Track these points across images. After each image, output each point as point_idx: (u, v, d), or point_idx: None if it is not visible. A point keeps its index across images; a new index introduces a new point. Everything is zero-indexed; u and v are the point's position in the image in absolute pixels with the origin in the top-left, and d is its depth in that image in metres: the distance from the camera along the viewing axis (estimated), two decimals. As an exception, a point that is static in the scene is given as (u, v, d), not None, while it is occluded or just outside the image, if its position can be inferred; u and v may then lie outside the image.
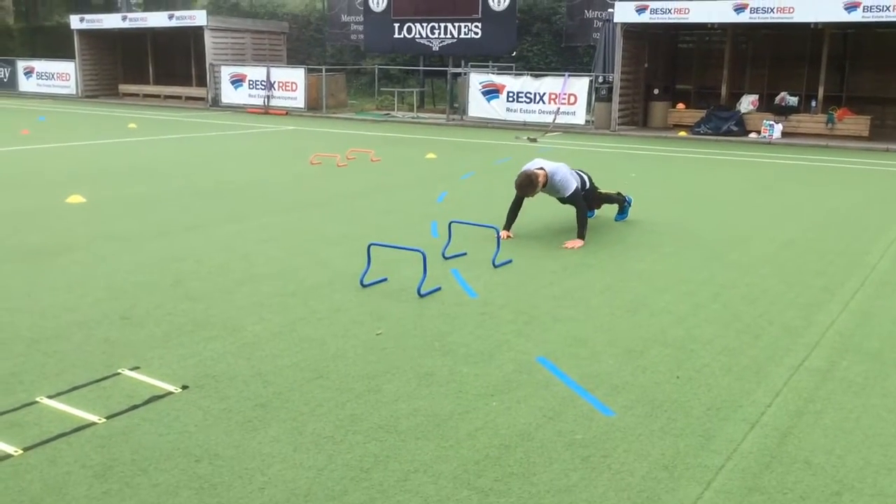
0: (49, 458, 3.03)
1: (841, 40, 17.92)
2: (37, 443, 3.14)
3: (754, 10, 16.48)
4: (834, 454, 3.19)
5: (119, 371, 3.86)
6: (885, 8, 15.28)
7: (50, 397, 3.55)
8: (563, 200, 7.08)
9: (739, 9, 16.62)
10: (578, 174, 7.17)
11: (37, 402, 3.51)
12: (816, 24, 16.21)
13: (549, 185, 6.84)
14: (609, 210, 7.84)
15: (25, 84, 28.33)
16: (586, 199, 7.06)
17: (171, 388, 3.68)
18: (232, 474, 2.94)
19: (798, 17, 16.13)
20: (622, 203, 7.77)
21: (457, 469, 3.01)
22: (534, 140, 16.25)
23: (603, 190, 7.65)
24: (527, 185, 6.71)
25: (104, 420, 3.34)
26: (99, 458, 3.04)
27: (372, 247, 5.52)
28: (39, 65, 28.21)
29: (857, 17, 15.52)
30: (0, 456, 3.03)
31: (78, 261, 5.99)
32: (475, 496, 2.84)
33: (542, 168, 6.79)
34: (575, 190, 6.82)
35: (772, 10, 16.35)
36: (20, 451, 3.06)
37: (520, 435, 3.30)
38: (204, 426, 3.32)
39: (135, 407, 3.48)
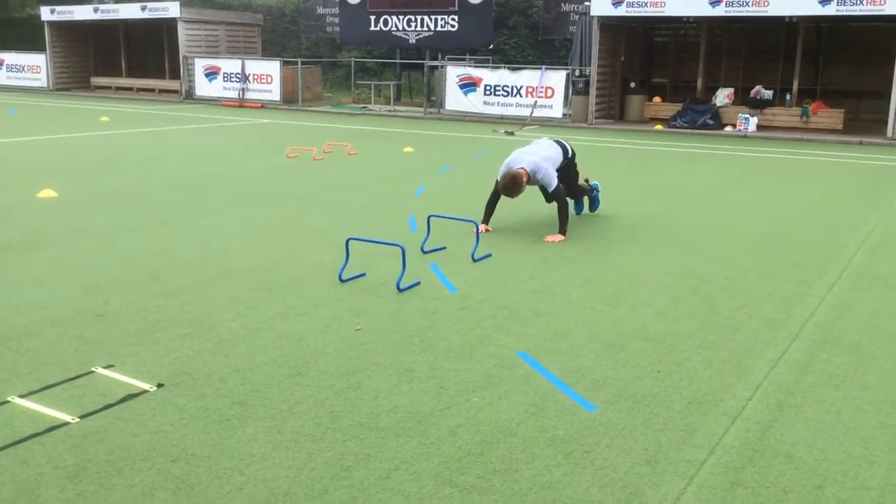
0: (21, 460, 2.96)
1: (815, 34, 18.05)
2: (8, 443, 3.06)
3: (729, 4, 16.52)
4: (815, 447, 3.19)
5: (93, 369, 3.78)
6: (858, 1, 15.38)
7: (22, 396, 3.48)
8: (547, 198, 7.08)
9: (715, 2, 16.66)
10: (561, 145, 7.17)
11: (8, 401, 3.43)
12: (791, 17, 16.29)
13: (532, 181, 6.80)
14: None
15: (-5, 77, 27.90)
16: (567, 177, 7.05)
17: (146, 386, 3.61)
18: (209, 474, 2.89)
19: (773, 11, 16.20)
20: (591, 193, 7.79)
21: (438, 466, 2.98)
22: (511, 133, 16.22)
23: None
24: (511, 186, 6.65)
25: (78, 420, 3.27)
26: (72, 458, 2.97)
27: (350, 241, 5.47)
28: (9, 57, 27.71)
29: (830, 10, 15.61)
30: (-30, 458, 2.96)
31: (50, 256, 5.88)
32: (457, 494, 2.80)
33: (522, 168, 6.74)
34: (557, 185, 6.79)
35: (747, 4, 16.41)
36: (-9, 453, 2.99)
37: (502, 431, 3.27)
38: (180, 425, 3.25)
39: (109, 406, 3.41)
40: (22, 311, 4.63)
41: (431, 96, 21.26)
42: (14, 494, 2.74)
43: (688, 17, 17.73)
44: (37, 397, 3.48)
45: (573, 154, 7.32)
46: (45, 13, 26.32)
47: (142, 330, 4.35)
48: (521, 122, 18.20)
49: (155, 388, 3.59)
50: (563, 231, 6.71)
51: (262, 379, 3.73)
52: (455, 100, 19.93)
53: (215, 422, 3.29)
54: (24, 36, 29.79)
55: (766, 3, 16.24)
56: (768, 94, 17.78)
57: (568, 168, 7.17)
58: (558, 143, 7.24)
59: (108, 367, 3.82)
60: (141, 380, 3.67)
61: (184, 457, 3.00)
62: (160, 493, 2.76)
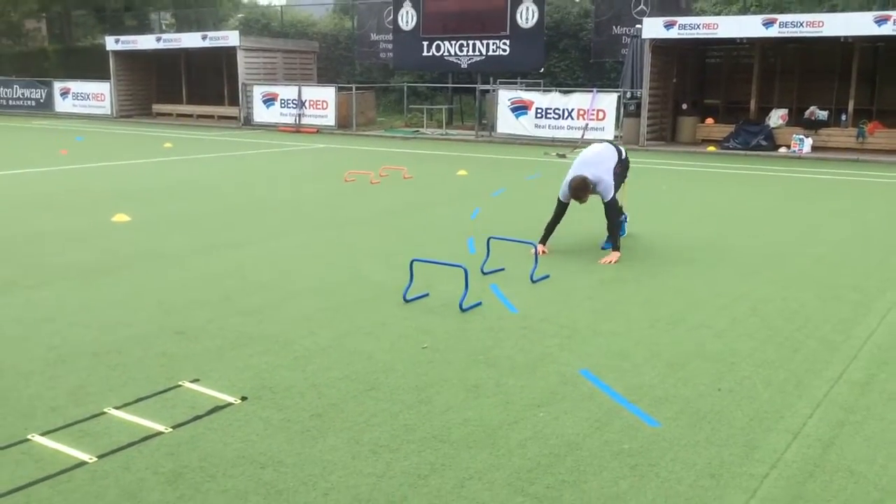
0: (122, 465, 3.20)
1: (871, 54, 17.88)
2: (109, 451, 3.31)
3: (783, 25, 16.51)
4: (876, 463, 3.27)
5: (180, 383, 4.03)
6: (915, 21, 15.27)
7: (117, 408, 3.73)
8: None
9: (768, 23, 16.66)
10: (617, 149, 7.41)
11: (105, 412, 3.69)
12: (846, 38, 16.21)
13: (592, 191, 7.01)
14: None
15: (61, 105, 28.94)
16: (618, 176, 7.29)
17: (230, 399, 3.84)
18: (296, 480, 3.09)
19: (827, 31, 16.13)
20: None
21: (510, 476, 3.14)
22: (563, 156, 16.36)
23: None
24: (582, 188, 6.88)
25: (170, 429, 3.51)
26: (169, 464, 3.20)
27: (414, 262, 5.67)
28: (75, 85, 28.78)
29: (887, 30, 15.50)
30: (76, 463, 3.21)
31: (128, 278, 6.20)
32: (529, 502, 2.96)
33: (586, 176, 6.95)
34: (613, 197, 6.96)
35: (801, 25, 16.37)
36: (95, 459, 3.23)
37: (568, 444, 3.42)
38: (266, 435, 3.47)
39: (198, 417, 3.64)
40: (109, 329, 4.92)
41: (483, 120, 21.52)
42: (119, 497, 2.97)
43: (741, 39, 17.73)
44: (130, 409, 3.73)
45: (627, 161, 7.50)
46: (110, 43, 27.30)
47: (221, 347, 4.60)
48: (572, 144, 18.34)
49: (239, 401, 3.82)
50: (616, 246, 6.84)
51: (338, 393, 3.94)
52: (506, 123, 20.17)
53: (297, 432, 3.50)
54: (89, 65, 30.92)
55: (821, 24, 16.19)
56: (823, 114, 17.65)
57: (620, 173, 7.36)
58: (614, 146, 7.47)
59: (193, 381, 4.06)
60: (226, 393, 3.91)
61: (271, 464, 3.21)
62: (252, 497, 2.97)
